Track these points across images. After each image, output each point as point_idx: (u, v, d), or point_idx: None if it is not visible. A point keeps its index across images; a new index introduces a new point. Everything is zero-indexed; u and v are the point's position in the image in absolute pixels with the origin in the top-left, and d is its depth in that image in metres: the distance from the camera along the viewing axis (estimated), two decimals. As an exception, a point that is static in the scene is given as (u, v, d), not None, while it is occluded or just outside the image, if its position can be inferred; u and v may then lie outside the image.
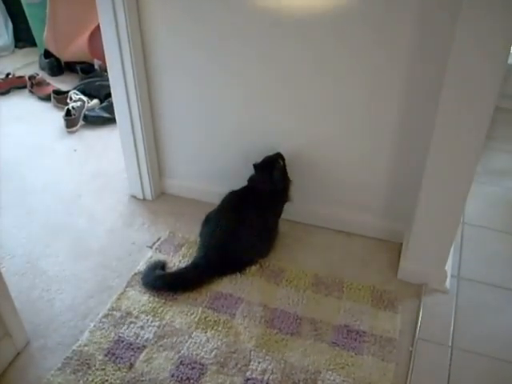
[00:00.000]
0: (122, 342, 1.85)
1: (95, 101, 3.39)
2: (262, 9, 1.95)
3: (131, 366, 1.77)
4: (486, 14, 1.50)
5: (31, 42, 4.21)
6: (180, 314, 1.96)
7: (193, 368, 1.77)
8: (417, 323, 1.96)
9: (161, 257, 2.22)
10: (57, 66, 3.94)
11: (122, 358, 1.79)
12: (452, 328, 1.95)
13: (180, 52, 2.19)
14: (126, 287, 2.07)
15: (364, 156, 2.16)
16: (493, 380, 1.80)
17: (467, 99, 1.66)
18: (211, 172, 2.49)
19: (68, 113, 3.19)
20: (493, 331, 1.96)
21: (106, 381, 1.72)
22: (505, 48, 1.56)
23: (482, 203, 2.60)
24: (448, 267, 2.11)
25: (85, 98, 3.33)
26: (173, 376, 1.74)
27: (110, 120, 3.13)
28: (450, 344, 1.89)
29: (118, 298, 2.02)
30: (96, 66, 3.75)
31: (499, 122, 3.24)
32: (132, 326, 1.91)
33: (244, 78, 2.15)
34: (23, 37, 4.31)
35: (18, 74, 3.75)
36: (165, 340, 1.86)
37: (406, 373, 1.78)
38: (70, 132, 3.19)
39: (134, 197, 2.62)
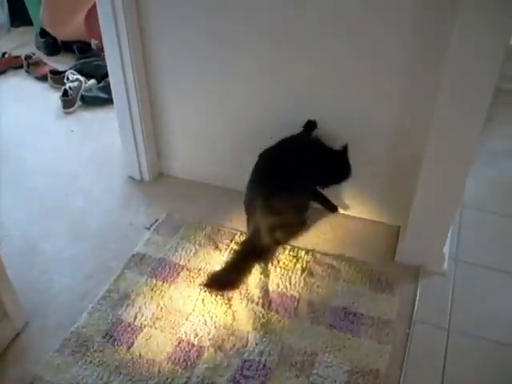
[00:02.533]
0: (120, 323, 1.86)
1: (92, 81, 3.35)
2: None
3: (129, 347, 1.78)
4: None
5: (27, 21, 4.16)
6: (178, 295, 1.97)
7: (190, 349, 1.78)
8: (414, 306, 1.96)
9: (159, 238, 2.22)
10: (53, 46, 3.88)
11: (120, 340, 1.81)
12: (449, 310, 1.96)
13: (178, 26, 2.15)
14: (124, 269, 2.07)
15: (364, 140, 2.15)
16: (489, 362, 1.81)
17: (468, 81, 1.65)
18: (210, 153, 2.48)
19: (65, 93, 3.16)
20: (490, 314, 1.97)
21: (104, 362, 1.73)
22: (506, 28, 1.54)
23: (480, 185, 2.59)
24: (446, 249, 2.11)
25: (82, 78, 3.29)
26: (170, 357, 1.75)
27: (108, 100, 3.10)
28: (447, 326, 1.90)
29: (116, 280, 2.03)
30: (93, 46, 3.71)
31: (499, 103, 3.21)
32: (130, 307, 1.92)
33: (247, 54, 2.12)
34: (19, 16, 4.25)
35: (14, 53, 3.71)
36: (163, 321, 1.87)
37: (403, 355, 1.80)
38: (67, 113, 3.16)
39: (132, 178, 2.61)
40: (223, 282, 2.00)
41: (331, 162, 2.12)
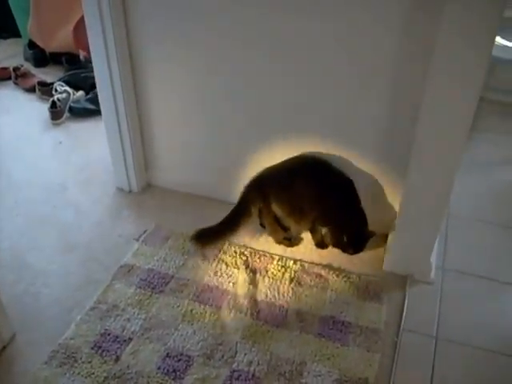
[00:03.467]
0: (109, 334, 1.86)
1: (81, 92, 3.35)
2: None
3: (117, 358, 1.78)
4: (472, 3, 1.51)
5: (15, 33, 4.15)
6: (166, 306, 1.97)
7: (179, 360, 1.77)
8: (402, 314, 1.97)
9: (147, 249, 2.21)
10: (41, 57, 3.89)
11: (108, 351, 1.80)
12: (437, 318, 1.97)
13: (165, 40, 2.17)
14: (113, 280, 2.07)
15: (351, 149, 2.17)
16: (477, 370, 1.82)
17: (452, 90, 1.67)
18: (197, 164, 2.48)
19: (53, 104, 3.16)
20: (477, 321, 1.98)
21: (93, 374, 1.73)
22: (489, 39, 1.57)
23: (466, 194, 2.62)
24: (433, 258, 2.13)
25: (70, 90, 3.30)
26: (159, 368, 1.75)
27: (96, 112, 3.09)
28: (435, 334, 1.91)
29: (105, 291, 2.02)
30: (81, 57, 3.71)
31: (484, 113, 3.25)
32: (118, 318, 1.91)
33: (233, 65, 2.14)
34: (7, 27, 4.24)
35: (2, 65, 3.70)
36: (151, 332, 1.87)
37: (391, 363, 1.80)
38: (55, 124, 3.16)
39: (120, 189, 2.61)
40: (210, 235, 2.15)
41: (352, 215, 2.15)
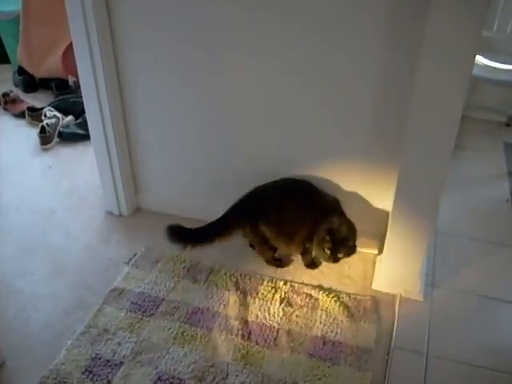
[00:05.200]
0: (100, 359, 1.85)
1: (70, 117, 3.38)
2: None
3: (109, 383, 1.77)
4: (451, 22, 1.55)
5: (4, 59, 4.18)
6: (157, 329, 1.96)
7: (171, 383, 1.77)
8: (392, 332, 1.98)
9: (138, 272, 2.22)
10: (31, 83, 3.92)
11: (99, 376, 1.79)
12: (427, 336, 1.98)
13: (153, 66, 2.20)
14: (103, 304, 2.07)
15: (337, 171, 2.19)
16: (467, 386, 1.83)
17: (435, 109, 1.70)
18: (187, 187, 2.50)
19: (42, 130, 3.18)
20: (467, 338, 1.99)
21: (84, 399, 1.72)
22: (469, 57, 1.61)
23: (453, 212, 2.65)
24: (422, 276, 2.14)
25: (59, 115, 3.32)
26: (151, 392, 1.74)
27: (85, 136, 3.12)
28: (425, 352, 1.92)
29: (95, 315, 2.02)
30: (70, 83, 3.74)
31: (471, 132, 3.31)
32: (109, 342, 1.91)
33: (222, 93, 2.18)
34: (-4, 54, 4.28)
35: (-9, 91, 3.73)
36: (142, 356, 1.86)
37: (383, 382, 1.81)
38: (44, 149, 3.17)
39: (110, 213, 2.61)
40: (184, 235, 2.18)
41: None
